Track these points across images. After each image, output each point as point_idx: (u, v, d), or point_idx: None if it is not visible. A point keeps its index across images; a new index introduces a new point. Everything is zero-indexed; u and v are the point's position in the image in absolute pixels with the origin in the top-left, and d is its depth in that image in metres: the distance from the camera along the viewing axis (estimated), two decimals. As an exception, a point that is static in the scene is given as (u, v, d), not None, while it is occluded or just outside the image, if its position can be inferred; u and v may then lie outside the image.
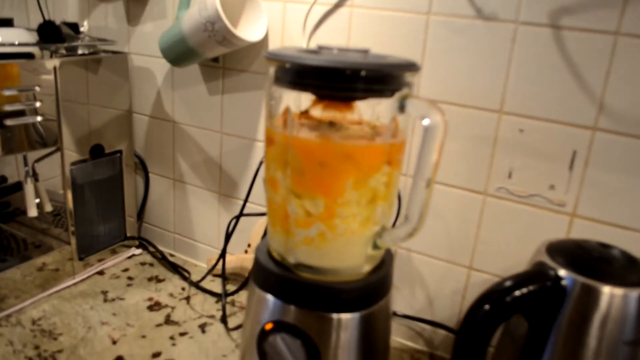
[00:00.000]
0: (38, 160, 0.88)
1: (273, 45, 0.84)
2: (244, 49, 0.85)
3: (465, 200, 0.75)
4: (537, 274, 0.56)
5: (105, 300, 0.89)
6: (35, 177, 0.89)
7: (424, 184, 0.50)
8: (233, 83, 0.89)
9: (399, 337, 0.85)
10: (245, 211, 0.89)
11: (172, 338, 0.81)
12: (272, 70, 0.54)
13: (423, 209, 0.51)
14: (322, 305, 0.55)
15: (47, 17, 0.86)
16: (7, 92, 0.76)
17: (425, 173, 0.49)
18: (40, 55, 0.84)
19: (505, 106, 0.69)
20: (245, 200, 0.87)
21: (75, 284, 0.93)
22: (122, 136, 0.98)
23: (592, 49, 0.62)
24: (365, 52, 0.53)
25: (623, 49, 0.61)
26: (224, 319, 0.86)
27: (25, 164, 0.88)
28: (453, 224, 0.76)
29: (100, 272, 0.97)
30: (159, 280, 0.97)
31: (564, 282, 0.54)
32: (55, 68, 0.81)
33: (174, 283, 0.96)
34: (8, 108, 0.77)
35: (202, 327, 0.84)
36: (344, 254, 0.56)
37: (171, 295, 0.92)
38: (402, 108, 0.50)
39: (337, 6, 0.77)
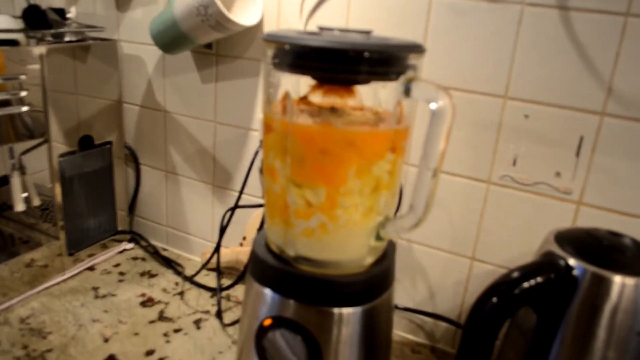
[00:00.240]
0: (25, 152, 0.86)
1: (268, 30, 0.81)
2: (238, 35, 0.83)
3: (468, 189, 0.73)
4: (546, 264, 0.54)
5: (96, 297, 0.87)
6: (22, 170, 0.87)
7: (431, 173, 0.48)
8: (227, 70, 0.87)
9: (399, 330, 0.84)
10: (241, 203, 0.87)
11: (166, 335, 0.79)
12: (269, 53, 0.51)
13: (429, 198, 0.49)
14: (323, 300, 0.53)
15: (32, 2, 0.83)
16: (-9, 81, 0.74)
17: (432, 161, 0.47)
18: (25, 42, 0.82)
19: (510, 91, 0.67)
20: (241, 192, 0.85)
21: (64, 280, 0.91)
22: (112, 127, 0.95)
23: (601, 31, 0.61)
24: (367, 33, 0.51)
25: (633, 31, 0.59)
26: (219, 314, 0.85)
27: (12, 157, 0.86)
28: (455, 213, 0.74)
29: (91, 268, 0.95)
30: (151, 275, 0.95)
31: (574, 272, 0.52)
32: (41, 56, 0.79)
33: (167, 278, 0.95)
34: (-8, 97, 0.75)
35: (197, 323, 0.82)
36: (346, 245, 0.54)
37: (164, 290, 0.90)
38: (407, 92, 0.48)
39: (334, -11, 0.74)
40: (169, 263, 0.99)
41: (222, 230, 0.88)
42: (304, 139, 0.50)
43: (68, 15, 0.87)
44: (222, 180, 0.94)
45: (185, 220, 1.02)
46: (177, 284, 0.93)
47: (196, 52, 0.89)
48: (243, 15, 0.79)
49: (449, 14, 0.68)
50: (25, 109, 0.79)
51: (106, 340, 0.76)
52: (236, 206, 0.86)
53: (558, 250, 0.55)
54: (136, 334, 0.78)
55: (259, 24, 0.81)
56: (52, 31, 0.85)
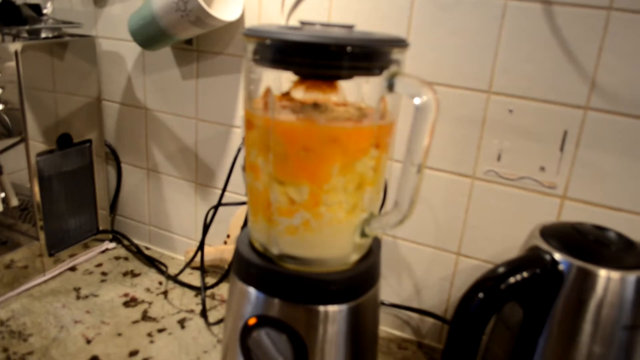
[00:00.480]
0: (2, 151, 0.84)
1: (249, 25, 0.80)
2: (218, 30, 0.82)
3: (452, 184, 0.72)
4: (532, 259, 0.54)
5: (78, 298, 0.85)
6: (-1, 169, 0.84)
7: (415, 168, 0.47)
8: (208, 66, 0.86)
9: (386, 326, 0.83)
10: (224, 201, 0.86)
11: (149, 335, 0.78)
12: (250, 48, 0.50)
13: (414, 194, 0.48)
14: (308, 298, 0.53)
15: (6, -2, 0.82)
16: (-36, 79, 0.72)
17: (416, 156, 0.46)
18: (0, 39, 0.79)
19: (494, 86, 0.67)
20: (224, 190, 0.84)
21: (45, 281, 0.89)
22: (91, 125, 0.94)
23: (584, 25, 0.60)
24: (350, 27, 0.50)
25: (616, 25, 0.59)
26: (204, 313, 0.84)
27: (-12, 156, 0.84)
28: (440, 209, 0.74)
29: (72, 268, 0.94)
30: (134, 274, 0.94)
31: (560, 267, 0.52)
32: (16, 52, 0.77)
33: (151, 277, 0.93)
34: (-34, 96, 0.73)
35: (182, 323, 0.81)
36: (330, 243, 0.53)
37: (148, 290, 0.89)
38: (390, 87, 0.47)
39: (316, -17, 0.73)
40: (152, 262, 0.97)
41: (206, 228, 0.87)
42: (287, 135, 0.49)
43: (44, 11, 0.86)
44: (204, 178, 0.93)
45: (168, 219, 1.01)
46: (160, 283, 0.92)
47: (176, 48, 0.88)
48: (224, 11, 0.78)
49: (432, 8, 0.67)
50: (0, 107, 0.77)
51: (89, 342, 0.75)
52: (219, 204, 0.85)
53: (543, 245, 0.55)
54: (119, 334, 0.77)
55: (240, 19, 0.80)
56: (28, 27, 0.83)
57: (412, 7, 0.68)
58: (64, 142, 0.88)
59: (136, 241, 1.03)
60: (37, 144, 0.84)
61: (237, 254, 0.56)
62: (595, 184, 0.65)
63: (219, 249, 0.91)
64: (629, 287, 0.51)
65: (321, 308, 0.52)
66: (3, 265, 0.83)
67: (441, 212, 0.74)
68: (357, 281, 0.55)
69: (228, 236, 0.92)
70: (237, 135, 0.87)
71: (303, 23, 0.51)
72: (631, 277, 0.51)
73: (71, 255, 0.95)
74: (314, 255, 0.53)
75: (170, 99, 0.92)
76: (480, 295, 0.53)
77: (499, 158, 0.69)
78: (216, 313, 0.85)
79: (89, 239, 0.98)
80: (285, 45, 0.47)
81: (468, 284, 0.54)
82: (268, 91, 0.50)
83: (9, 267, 0.84)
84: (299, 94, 0.52)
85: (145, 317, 0.82)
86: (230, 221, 0.91)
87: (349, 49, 0.45)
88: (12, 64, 0.77)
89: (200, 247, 0.89)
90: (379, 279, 0.58)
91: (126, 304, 0.85)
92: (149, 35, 0.79)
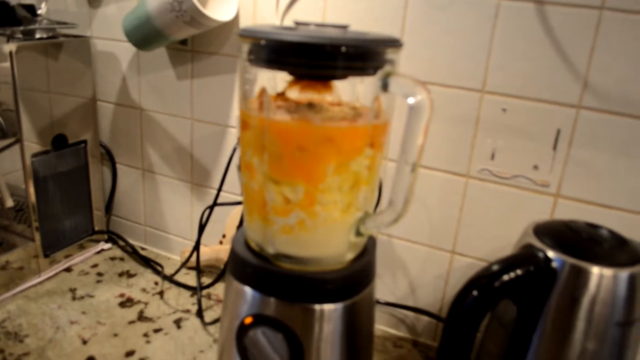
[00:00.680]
0: (-4, 152, 0.84)
1: (244, 25, 0.80)
2: (213, 30, 0.82)
3: (447, 183, 0.73)
4: (526, 257, 0.55)
5: (74, 299, 0.85)
6: (-7, 170, 0.84)
7: (409, 167, 0.47)
8: (203, 67, 0.86)
9: (381, 324, 0.84)
10: (219, 200, 0.86)
11: (146, 335, 0.78)
12: (245, 48, 0.51)
13: (408, 193, 0.49)
14: (304, 297, 0.53)
15: (0, -1, 0.81)
16: (-42, 80, 0.72)
17: (411, 156, 0.47)
18: (-6, 39, 0.80)
19: (487, 85, 0.67)
20: (219, 189, 0.84)
21: (41, 282, 0.89)
22: (87, 125, 0.93)
23: (577, 25, 0.61)
24: (344, 27, 0.50)
25: (608, 24, 0.60)
26: (200, 313, 0.84)
27: (-17, 157, 0.84)
28: (435, 208, 0.75)
29: (68, 269, 0.94)
30: (130, 275, 0.94)
31: (553, 264, 0.53)
32: (11, 53, 0.77)
33: (146, 278, 0.93)
34: (-40, 97, 0.73)
35: (178, 323, 0.81)
36: (326, 242, 0.54)
37: (144, 290, 0.89)
38: (385, 87, 0.47)
39: (310, -16, 0.74)
40: (148, 262, 0.97)
41: (201, 228, 0.87)
42: (282, 135, 0.49)
43: (38, 12, 0.86)
44: (200, 178, 0.93)
45: (163, 219, 1.01)
46: (156, 283, 0.92)
47: (171, 49, 0.88)
48: (218, 11, 0.78)
49: (426, 8, 0.68)
50: (-5, 108, 0.77)
51: (85, 342, 0.75)
52: (215, 204, 0.85)
53: (537, 243, 0.55)
54: (115, 335, 0.77)
55: (235, 20, 0.80)
56: (22, 28, 0.82)
57: (406, 6, 0.69)
58: (59, 142, 0.88)
59: (132, 241, 1.03)
60: (32, 145, 0.84)
61: (233, 253, 0.57)
62: (588, 182, 0.65)
63: (215, 249, 0.91)
64: (621, 284, 0.52)
65: (317, 307, 0.52)
66: (-2, 266, 0.83)
67: (435, 211, 0.75)
68: (353, 280, 0.55)
69: (224, 236, 0.92)
70: (233, 135, 0.87)
71: (298, 23, 0.51)
72: (624, 274, 0.52)
73: (67, 256, 0.94)
74: (309, 254, 0.54)
75: (166, 99, 0.92)
76: (475, 293, 0.53)
77: (492, 157, 0.69)
78: (212, 313, 0.85)
79: (84, 240, 0.98)
80: (280, 46, 0.47)
81: (462, 282, 0.54)
82: (263, 91, 0.50)
83: (5, 268, 0.84)
84: (294, 94, 0.52)
85: (141, 317, 0.82)
86: (226, 221, 0.91)
87: (343, 49, 0.45)
88: (7, 64, 0.77)
89: (196, 247, 0.89)
90: (374, 278, 0.59)
91: (122, 305, 0.85)
92: (144, 35, 0.79)
